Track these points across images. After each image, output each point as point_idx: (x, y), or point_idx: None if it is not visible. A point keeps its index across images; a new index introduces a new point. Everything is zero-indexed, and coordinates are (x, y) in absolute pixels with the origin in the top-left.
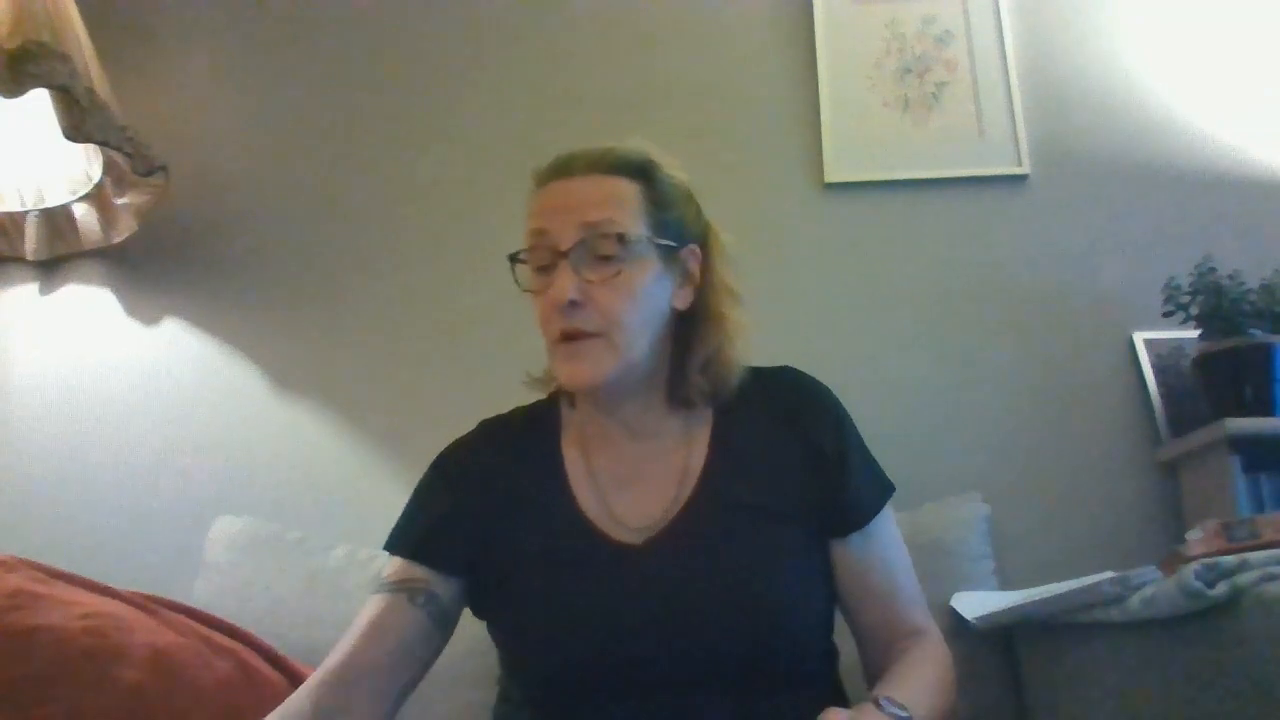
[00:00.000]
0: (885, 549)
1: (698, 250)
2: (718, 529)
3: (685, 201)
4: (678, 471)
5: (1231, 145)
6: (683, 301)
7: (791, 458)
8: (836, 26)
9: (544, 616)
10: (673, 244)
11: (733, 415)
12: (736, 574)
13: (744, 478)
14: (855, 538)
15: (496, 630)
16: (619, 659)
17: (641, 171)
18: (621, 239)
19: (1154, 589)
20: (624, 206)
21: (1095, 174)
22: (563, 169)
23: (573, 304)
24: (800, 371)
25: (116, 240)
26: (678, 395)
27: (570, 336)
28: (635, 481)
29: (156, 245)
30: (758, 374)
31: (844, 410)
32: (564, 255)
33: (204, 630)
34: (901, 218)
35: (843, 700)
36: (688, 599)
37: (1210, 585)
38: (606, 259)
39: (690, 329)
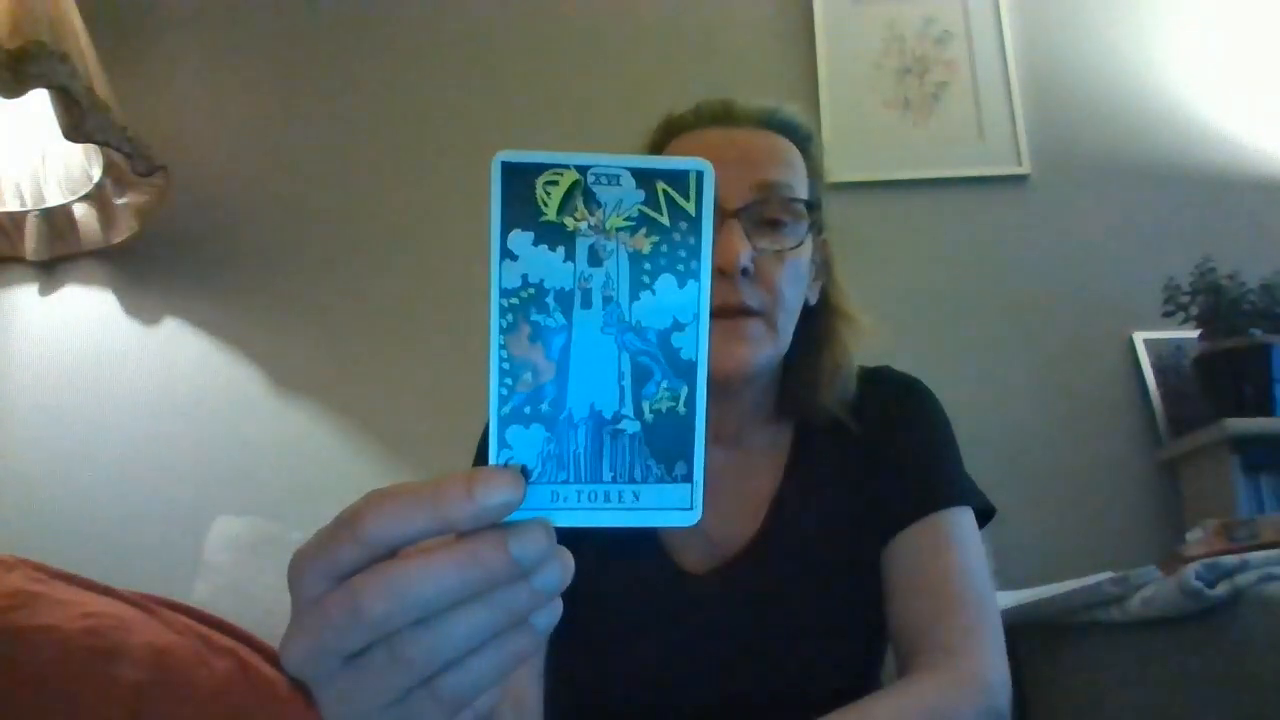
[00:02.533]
0: (941, 551)
1: (829, 241)
2: (781, 573)
3: (824, 184)
4: (764, 490)
5: (1232, 145)
6: (814, 295)
7: (871, 478)
8: (836, 26)
9: (602, 650)
10: (823, 226)
11: (816, 432)
12: (787, 627)
13: (816, 513)
14: (904, 538)
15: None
16: (662, 702)
17: (806, 139)
18: (799, 207)
19: (1154, 589)
20: (795, 171)
21: (1095, 174)
22: (723, 115)
23: (744, 273)
24: (894, 372)
25: (116, 240)
26: (791, 403)
27: (732, 311)
28: (724, 495)
29: (156, 245)
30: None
31: (932, 409)
32: (733, 215)
33: (203, 630)
34: (901, 218)
35: None
36: (738, 649)
37: (1210, 585)
38: (776, 228)
39: (814, 328)
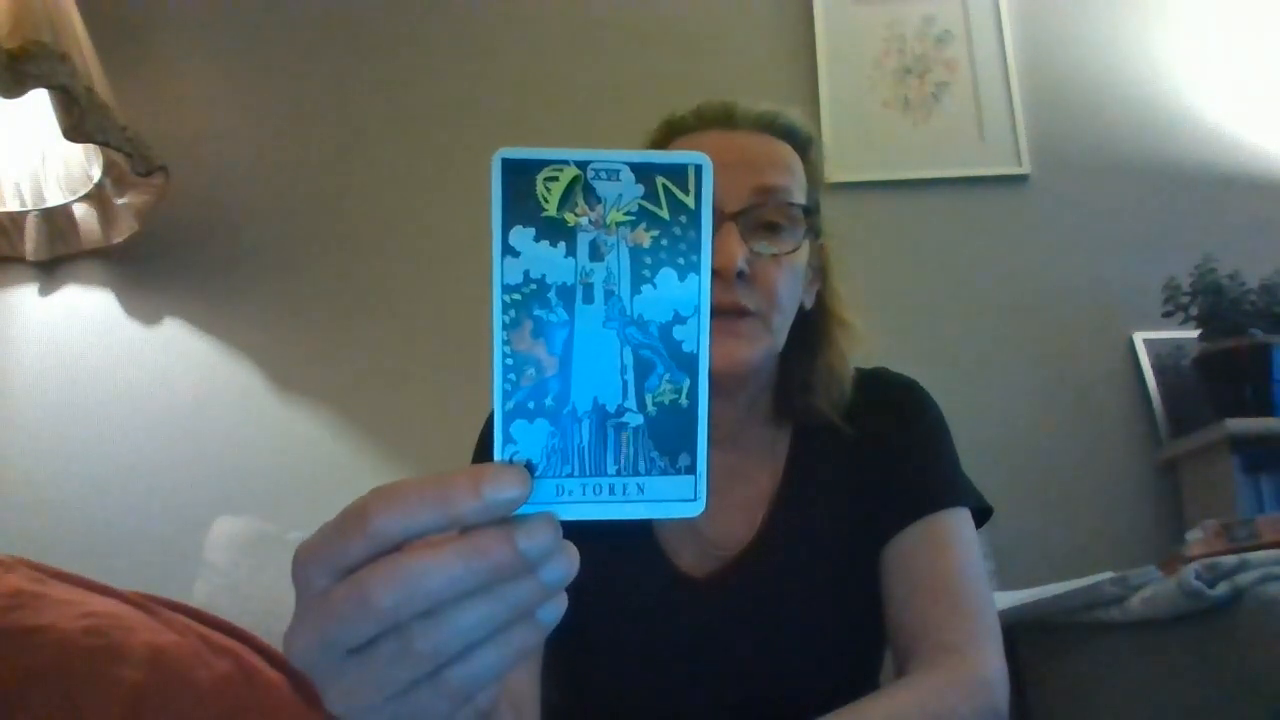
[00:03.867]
0: (939, 551)
1: (826, 245)
2: (780, 576)
3: (823, 188)
4: (762, 492)
5: (1232, 146)
6: (810, 299)
7: (868, 480)
8: (836, 26)
9: (601, 652)
10: (820, 231)
11: (813, 435)
12: (786, 628)
13: (814, 515)
14: (901, 539)
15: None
16: (660, 704)
17: (805, 144)
18: (796, 211)
19: (1154, 589)
20: (794, 176)
21: (1095, 174)
22: (723, 118)
23: (740, 275)
24: (891, 374)
25: (116, 240)
26: (787, 407)
27: (727, 311)
28: (723, 496)
29: (156, 245)
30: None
31: (929, 410)
32: (731, 218)
33: (203, 630)
34: (901, 218)
35: None
36: (737, 651)
37: (1210, 585)
38: (773, 231)
39: (810, 332)
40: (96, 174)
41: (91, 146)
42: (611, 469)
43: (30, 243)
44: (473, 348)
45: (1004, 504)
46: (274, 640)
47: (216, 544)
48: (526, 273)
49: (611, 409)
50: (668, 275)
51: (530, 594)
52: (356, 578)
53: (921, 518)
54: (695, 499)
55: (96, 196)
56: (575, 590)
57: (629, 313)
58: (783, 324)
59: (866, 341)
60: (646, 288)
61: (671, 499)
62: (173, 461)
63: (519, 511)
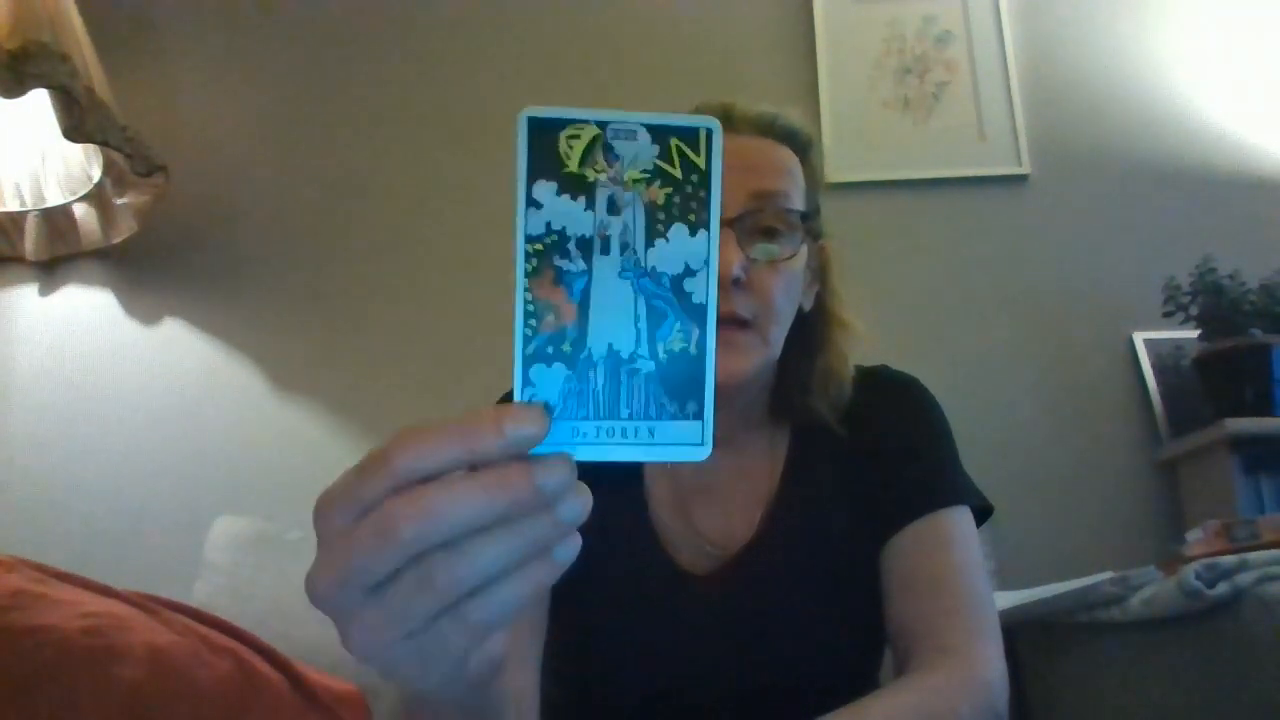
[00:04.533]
0: (939, 551)
1: (826, 247)
2: (779, 575)
3: (822, 190)
4: (761, 492)
5: (1232, 145)
6: (809, 302)
7: (868, 479)
8: (836, 26)
9: (601, 647)
10: (820, 233)
11: (813, 434)
12: (786, 628)
13: (814, 514)
14: (901, 538)
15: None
16: (660, 702)
17: (805, 147)
18: (794, 217)
19: (1154, 589)
20: (793, 180)
21: (1095, 174)
22: (721, 120)
23: (736, 283)
24: (891, 372)
25: (116, 240)
26: (784, 406)
27: (724, 320)
28: (721, 497)
29: (156, 245)
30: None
31: (929, 408)
32: (727, 224)
33: (203, 630)
34: (901, 218)
35: None
36: (736, 649)
37: (1210, 585)
38: (770, 237)
39: (808, 334)
40: (96, 174)
41: (91, 146)
42: (624, 413)
43: (30, 243)
44: (473, 347)
45: (1004, 504)
46: (274, 640)
47: (216, 544)
48: (548, 224)
49: (625, 356)
50: (679, 230)
51: (547, 530)
52: (379, 511)
53: (921, 517)
54: (703, 444)
55: (96, 196)
56: (575, 583)
57: (643, 265)
58: (779, 333)
59: (866, 342)
60: (660, 241)
61: (680, 443)
62: (173, 461)
63: (535, 451)
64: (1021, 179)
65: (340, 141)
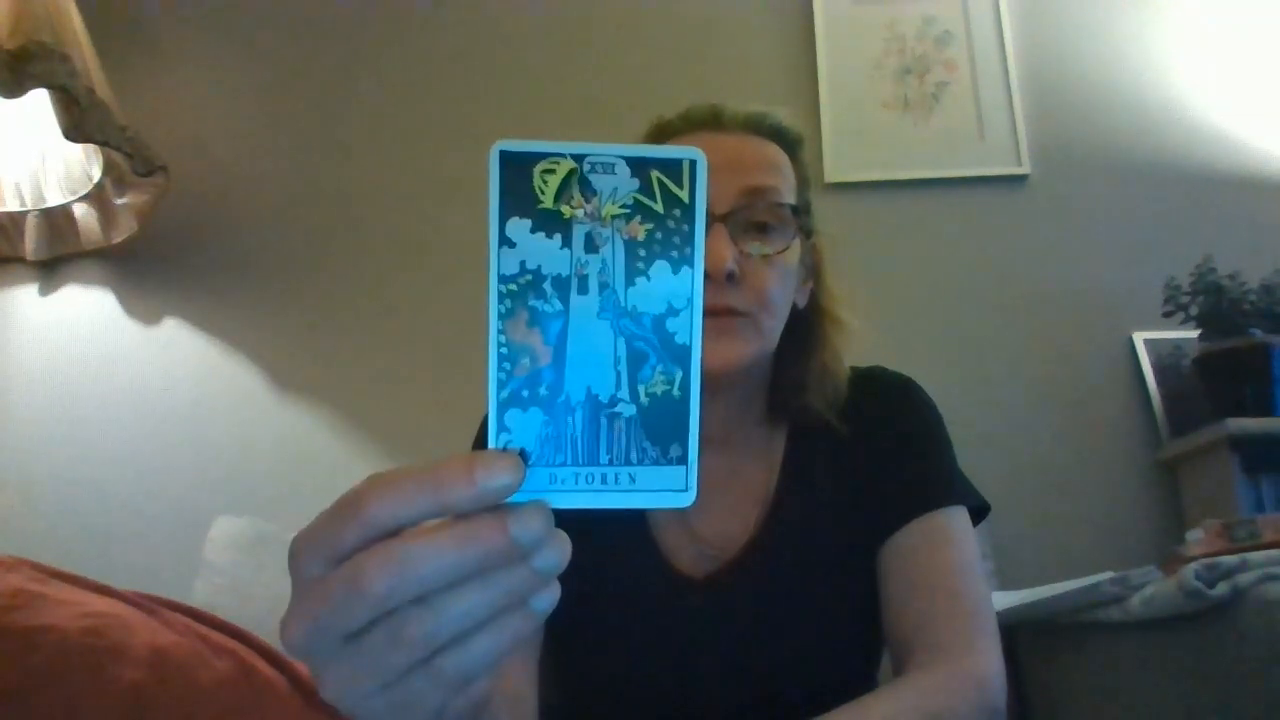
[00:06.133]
0: (936, 550)
1: (819, 245)
2: (778, 576)
3: (812, 187)
4: (758, 493)
5: (1232, 145)
6: (803, 298)
7: (865, 479)
8: (836, 27)
9: (600, 653)
10: (811, 230)
11: (809, 434)
12: (784, 629)
13: (810, 515)
14: (898, 538)
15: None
16: (658, 705)
17: (794, 145)
18: (785, 211)
19: (1154, 589)
20: (783, 176)
21: (1095, 174)
22: (711, 121)
23: (730, 277)
24: (887, 372)
25: (116, 240)
26: (781, 405)
27: (718, 313)
28: (718, 497)
29: (156, 245)
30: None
31: (925, 408)
32: (719, 219)
33: (203, 630)
34: (901, 218)
35: None
36: (735, 651)
37: (1210, 585)
38: (762, 231)
39: (803, 332)
40: (96, 174)
41: (91, 146)
42: (604, 458)
43: (30, 243)
44: (472, 348)
45: (1004, 504)
46: (274, 640)
47: (216, 544)
48: (523, 263)
49: (605, 399)
50: (661, 268)
51: (523, 581)
52: (351, 563)
53: (918, 516)
54: (686, 489)
55: (96, 196)
56: (573, 589)
57: (623, 304)
58: (774, 325)
59: (861, 339)
60: (640, 280)
61: (663, 489)
62: (173, 461)
63: (512, 500)
64: (1021, 179)
65: (340, 141)
